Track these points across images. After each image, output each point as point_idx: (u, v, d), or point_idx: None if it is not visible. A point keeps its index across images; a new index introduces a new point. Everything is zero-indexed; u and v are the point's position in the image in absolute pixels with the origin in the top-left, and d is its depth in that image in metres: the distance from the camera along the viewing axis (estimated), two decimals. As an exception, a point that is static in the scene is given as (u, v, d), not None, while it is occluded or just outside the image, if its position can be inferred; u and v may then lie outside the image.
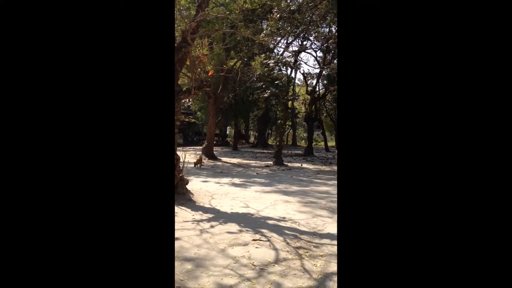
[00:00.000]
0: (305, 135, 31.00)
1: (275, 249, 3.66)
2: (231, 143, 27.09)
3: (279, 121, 15.38)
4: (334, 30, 13.67)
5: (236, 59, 14.48)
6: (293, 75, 20.39)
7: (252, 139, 35.15)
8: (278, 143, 14.41)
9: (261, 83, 13.88)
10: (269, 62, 12.69)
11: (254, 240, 3.94)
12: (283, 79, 14.52)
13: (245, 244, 3.79)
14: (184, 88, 7.28)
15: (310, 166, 13.59)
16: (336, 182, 9.17)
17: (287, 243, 3.88)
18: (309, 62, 44.36)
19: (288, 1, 10.80)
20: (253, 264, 3.19)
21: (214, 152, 16.27)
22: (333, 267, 3.19)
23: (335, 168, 13.32)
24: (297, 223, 4.79)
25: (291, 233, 4.30)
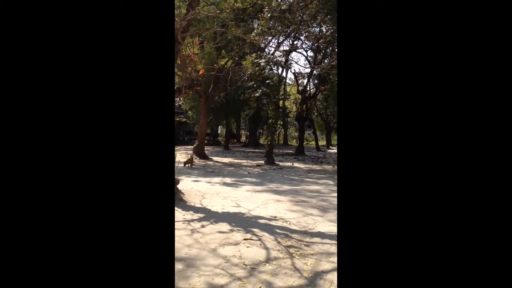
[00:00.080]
0: (296, 134, 31.09)
1: (266, 248, 3.67)
2: (222, 142, 27.03)
3: (270, 121, 15.40)
4: (324, 30, 13.75)
5: (227, 58, 14.44)
6: (284, 74, 20.45)
7: (243, 138, 35.12)
8: (269, 142, 14.43)
9: (252, 83, 13.87)
10: (260, 61, 12.70)
11: (245, 239, 3.94)
12: (274, 78, 14.51)
13: (236, 244, 3.79)
14: (175, 87, 7.23)
15: (301, 165, 13.64)
16: (326, 181, 9.27)
17: (278, 242, 3.89)
18: (300, 62, 44.51)
19: (279, 0, 10.82)
20: (244, 264, 3.19)
21: (205, 152, 16.21)
22: (324, 265, 3.21)
23: (326, 167, 13.41)
24: (288, 222, 4.81)
25: (282, 232, 4.31)
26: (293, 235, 4.16)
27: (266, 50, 17.42)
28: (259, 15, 9.12)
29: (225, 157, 16.85)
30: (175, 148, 15.19)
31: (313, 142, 28.51)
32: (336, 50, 16.72)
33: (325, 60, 18.01)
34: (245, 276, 2.91)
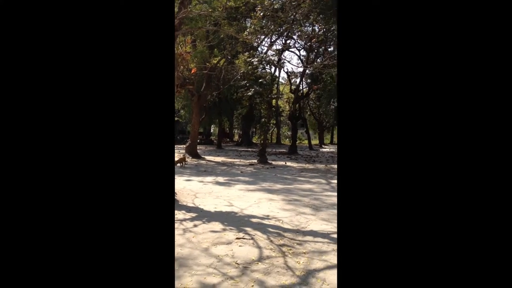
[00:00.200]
0: (289, 133, 31.17)
1: (259, 247, 3.67)
2: (215, 141, 26.96)
3: (263, 120, 15.40)
4: (317, 29, 13.79)
5: (219, 57, 14.39)
6: (277, 73, 20.47)
7: (236, 137, 35.08)
8: (262, 141, 14.43)
9: (245, 82, 13.85)
10: (253, 60, 12.68)
11: (237, 238, 3.94)
12: (267, 77, 14.50)
13: (229, 243, 3.78)
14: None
15: (294, 164, 13.68)
16: (319, 180, 9.30)
17: (271, 241, 3.89)
18: (292, 61, 44.58)
19: (272, -1, 10.81)
20: (236, 263, 3.18)
21: (198, 151, 16.14)
22: (316, 263, 3.22)
23: (319, 166, 13.46)
24: (281, 221, 4.82)
25: (275, 231, 4.32)
26: (285, 234, 4.17)
27: (259, 49, 17.43)
28: (252, 14, 9.10)
29: (218, 156, 16.81)
30: (168, 147, 15.10)
31: (306, 141, 28.60)
32: (329, 49, 16.82)
33: (318, 60, 18.06)
34: (238, 275, 2.91)
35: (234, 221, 4.77)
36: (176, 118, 18.48)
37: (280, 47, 17.58)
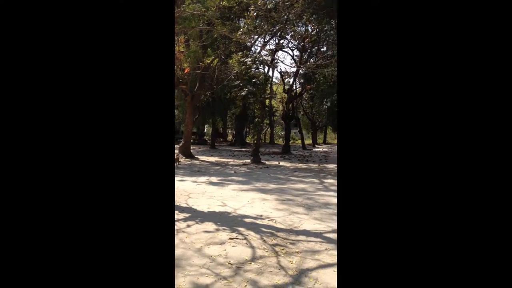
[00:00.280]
0: (282, 133, 31.22)
1: (252, 247, 3.68)
2: (208, 141, 26.90)
3: (256, 119, 15.40)
4: (310, 29, 13.84)
5: (213, 57, 14.35)
6: (270, 73, 20.48)
7: (230, 137, 35.04)
8: (255, 141, 14.44)
9: (239, 81, 13.84)
10: (246, 60, 12.68)
11: (230, 238, 3.94)
12: (261, 77, 14.51)
13: (222, 243, 3.78)
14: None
15: (288, 164, 13.72)
16: (312, 179, 9.35)
17: (264, 240, 3.90)
18: (286, 61, 44.68)
19: (265, -1, 10.82)
20: (229, 263, 3.19)
21: (191, 151, 16.09)
22: (308, 263, 3.25)
23: (312, 165, 13.52)
24: (274, 221, 4.84)
25: (268, 230, 4.33)
26: (278, 234, 4.19)
27: (253, 49, 17.43)
28: (245, 14, 9.11)
29: (211, 156, 16.78)
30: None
31: (299, 141, 28.69)
32: (322, 49, 16.89)
33: (311, 60, 18.13)
34: (231, 276, 2.91)
35: (228, 221, 4.77)
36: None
37: (273, 47, 17.61)
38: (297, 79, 21.74)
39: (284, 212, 5.38)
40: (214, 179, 9.11)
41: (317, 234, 4.21)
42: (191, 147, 16.67)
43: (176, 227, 4.39)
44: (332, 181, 9.15)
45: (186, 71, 9.12)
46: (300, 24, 14.01)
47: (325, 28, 13.38)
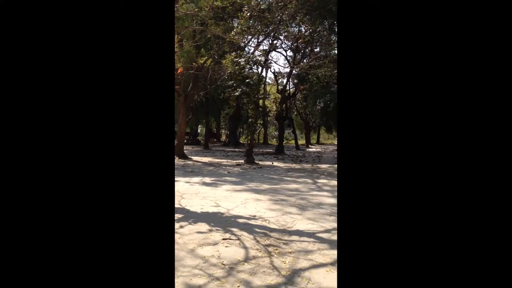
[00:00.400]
0: (276, 133, 31.26)
1: (245, 247, 3.68)
2: (202, 142, 26.81)
3: (250, 120, 15.40)
4: (303, 30, 13.88)
5: (206, 57, 14.32)
6: (264, 74, 20.49)
7: (223, 137, 34.97)
8: (249, 141, 14.44)
9: (232, 82, 13.82)
10: (240, 60, 12.67)
11: (224, 239, 3.94)
12: (254, 77, 14.52)
13: (215, 244, 3.77)
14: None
15: (281, 164, 13.74)
16: (305, 179, 9.38)
17: (257, 241, 3.90)
18: (279, 61, 44.78)
19: (258, 0, 10.83)
20: (222, 263, 3.18)
21: (185, 151, 16.03)
22: (301, 263, 3.26)
23: (305, 166, 13.56)
24: (267, 221, 4.84)
25: (261, 231, 4.33)
26: (272, 234, 4.19)
27: (246, 49, 17.42)
28: (239, 14, 9.10)
29: (205, 156, 16.73)
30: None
31: (293, 141, 28.76)
32: (315, 50, 16.96)
33: (304, 60, 18.19)
34: (224, 276, 2.91)
35: (221, 221, 4.76)
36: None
37: (267, 48, 17.63)
38: (290, 80, 21.79)
39: (278, 212, 5.38)
40: (207, 179, 9.08)
41: (310, 234, 4.23)
42: (184, 148, 16.61)
43: (169, 228, 4.36)
44: (325, 181, 9.19)
45: (179, 71, 9.09)
46: (294, 25, 14.05)
47: (318, 29, 13.44)
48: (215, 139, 32.72)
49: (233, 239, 3.94)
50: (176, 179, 8.87)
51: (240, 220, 4.86)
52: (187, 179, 8.95)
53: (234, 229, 4.35)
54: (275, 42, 18.23)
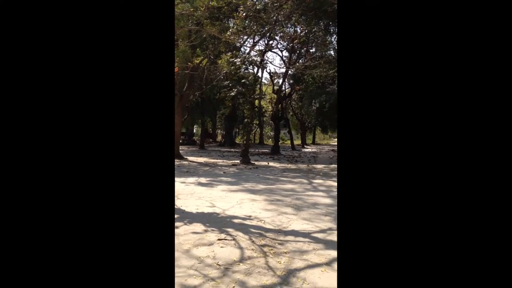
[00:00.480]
0: (272, 133, 31.30)
1: (240, 247, 3.68)
2: (197, 142, 26.74)
3: (246, 120, 15.40)
4: (299, 31, 13.91)
5: (202, 57, 14.28)
6: (259, 74, 20.51)
7: (219, 138, 34.92)
8: (245, 141, 14.43)
9: (228, 82, 13.81)
10: (235, 60, 12.66)
11: (219, 239, 3.93)
12: (250, 78, 14.52)
13: (210, 244, 3.77)
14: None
15: (277, 165, 13.75)
16: (301, 180, 9.39)
17: (252, 241, 3.90)
18: (275, 62, 44.87)
19: (254, 0, 10.84)
20: (217, 264, 3.18)
21: (180, 151, 15.98)
22: (297, 263, 3.26)
23: (301, 166, 13.59)
24: (263, 221, 4.84)
25: (257, 231, 4.33)
26: (267, 234, 4.20)
27: (242, 49, 17.41)
28: (234, 14, 9.10)
29: (201, 156, 16.69)
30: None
31: (289, 142, 28.80)
32: (310, 50, 17.00)
33: (300, 61, 18.22)
34: (219, 277, 2.91)
35: (216, 222, 4.75)
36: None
37: (262, 48, 17.64)
38: (286, 80, 21.83)
39: (273, 213, 5.39)
40: (203, 179, 9.07)
41: (306, 234, 4.24)
42: (180, 148, 16.55)
43: (164, 229, 4.35)
44: (321, 181, 9.22)
45: (175, 71, 9.06)
46: (289, 25, 14.06)
47: (313, 30, 13.47)
48: (210, 139, 32.67)
49: (228, 240, 3.93)
50: (171, 179, 8.83)
51: (236, 221, 4.86)
52: (182, 179, 8.92)
53: (229, 230, 4.35)
54: (270, 42, 18.24)
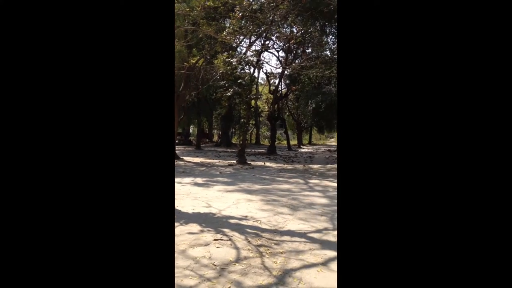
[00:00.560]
0: (268, 134, 31.32)
1: (236, 248, 3.67)
2: (194, 142, 26.70)
3: (242, 120, 15.41)
4: (295, 31, 13.93)
5: (198, 57, 14.27)
6: (256, 74, 20.50)
7: (215, 138, 34.88)
8: (241, 142, 14.43)
9: (224, 82, 13.80)
10: (232, 60, 12.65)
11: (215, 240, 3.93)
12: (246, 78, 14.51)
13: (206, 244, 3.76)
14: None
15: (273, 165, 13.76)
16: (297, 180, 9.41)
17: (249, 241, 3.90)
18: (271, 62, 44.97)
19: (250, 0, 10.84)
20: (213, 264, 3.17)
21: (176, 152, 15.93)
22: (293, 263, 3.26)
23: (297, 166, 13.61)
24: (259, 221, 4.84)
25: (253, 231, 4.33)
26: (263, 234, 4.20)
27: (238, 49, 17.41)
28: (231, 14, 9.09)
29: (197, 157, 16.66)
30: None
31: (285, 142, 28.83)
32: (307, 51, 17.03)
33: (296, 61, 18.26)
34: (215, 277, 2.90)
35: (212, 222, 4.75)
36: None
37: (259, 48, 17.64)
38: (282, 80, 21.86)
39: (269, 213, 5.39)
40: (199, 180, 9.05)
41: (302, 234, 4.24)
42: (176, 148, 16.52)
43: (160, 229, 4.34)
44: (317, 182, 9.24)
45: (171, 71, 9.02)
46: (285, 26, 14.09)
47: (310, 30, 13.49)
48: (207, 140, 32.63)
49: (224, 240, 3.93)
50: (167, 179, 8.81)
51: (232, 221, 4.86)
52: (178, 179, 8.90)
53: (225, 230, 4.34)
54: (267, 42, 18.25)
